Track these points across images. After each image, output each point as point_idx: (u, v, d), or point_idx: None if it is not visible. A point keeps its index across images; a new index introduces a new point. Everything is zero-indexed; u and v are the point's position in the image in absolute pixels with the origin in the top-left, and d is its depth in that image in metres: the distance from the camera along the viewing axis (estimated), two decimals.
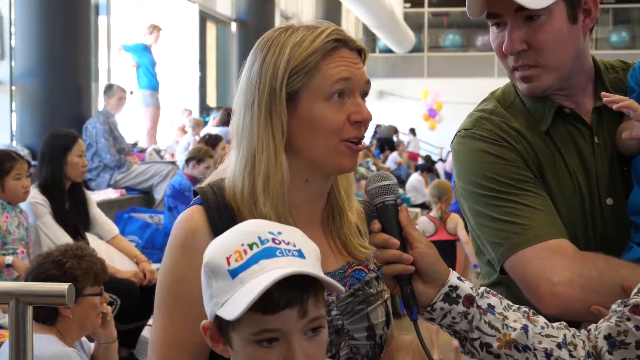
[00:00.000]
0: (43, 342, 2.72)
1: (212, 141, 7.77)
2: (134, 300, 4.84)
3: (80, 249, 3.05)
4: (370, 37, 22.14)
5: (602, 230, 1.81)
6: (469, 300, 1.46)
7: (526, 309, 1.49)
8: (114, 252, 5.25)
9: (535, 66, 1.81)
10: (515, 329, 1.44)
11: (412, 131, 20.86)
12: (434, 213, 6.78)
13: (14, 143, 7.30)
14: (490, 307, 1.46)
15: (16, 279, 4.27)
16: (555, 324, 1.47)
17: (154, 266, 5.23)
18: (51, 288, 1.73)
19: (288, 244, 1.26)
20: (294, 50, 1.54)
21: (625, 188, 1.81)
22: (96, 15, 9.64)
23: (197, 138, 8.95)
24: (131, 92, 9.21)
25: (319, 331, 1.27)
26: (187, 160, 6.99)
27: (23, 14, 7.04)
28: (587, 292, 1.64)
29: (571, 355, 1.43)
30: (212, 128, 9.73)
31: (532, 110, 1.87)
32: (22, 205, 4.75)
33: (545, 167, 1.82)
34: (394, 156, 16.32)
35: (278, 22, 14.35)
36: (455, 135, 1.92)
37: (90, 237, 5.14)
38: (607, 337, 1.43)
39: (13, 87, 7.63)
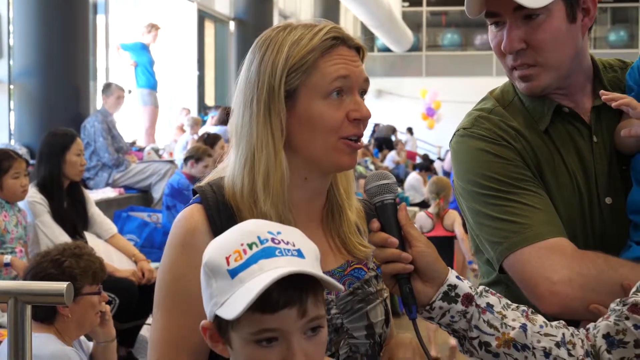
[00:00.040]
0: (42, 341, 2.72)
1: (211, 140, 7.77)
2: (133, 299, 4.84)
3: (79, 248, 3.05)
4: (369, 36, 22.14)
5: (601, 229, 1.81)
6: (468, 299, 1.46)
7: (525, 308, 1.49)
8: (112, 251, 5.25)
9: (534, 65, 1.81)
10: (514, 328, 1.44)
11: (410, 130, 20.87)
12: (432, 209, 6.80)
13: (12, 142, 7.30)
14: (489, 306, 1.46)
15: (14, 278, 4.27)
16: (554, 323, 1.47)
17: (153, 265, 5.23)
18: (50, 287, 1.73)
19: (287, 243, 1.26)
20: (292, 48, 1.54)
21: (624, 187, 1.81)
22: (94, 14, 9.64)
23: (196, 137, 8.95)
24: (129, 91, 9.21)
25: (318, 331, 1.27)
26: (186, 159, 6.99)
27: (21, 13, 7.04)
28: (586, 291, 1.64)
29: (570, 354, 1.43)
30: (210, 127, 9.73)
31: (531, 110, 1.87)
32: (21, 204, 4.75)
33: (544, 166, 1.82)
34: (392, 155, 16.33)
35: (276, 21, 14.36)
36: (454, 134, 1.92)
37: (88, 236, 5.14)
38: (606, 336, 1.43)
39: (11, 86, 7.63)
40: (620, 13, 25.49)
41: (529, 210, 1.73)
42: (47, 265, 2.94)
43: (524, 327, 1.44)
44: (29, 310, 1.67)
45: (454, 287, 1.47)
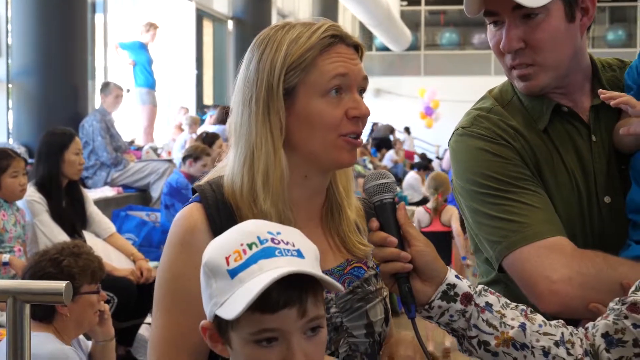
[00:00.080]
0: (40, 340, 2.72)
1: (209, 139, 7.76)
2: (131, 298, 4.84)
3: (77, 247, 3.05)
4: (367, 35, 22.16)
5: (600, 228, 1.81)
6: (467, 298, 1.46)
7: (524, 307, 1.49)
8: (110, 250, 5.25)
9: (532, 64, 1.81)
10: (513, 327, 1.45)
11: (407, 130, 20.87)
12: (430, 204, 6.83)
13: (11, 141, 7.29)
14: (488, 305, 1.46)
15: (13, 277, 4.27)
16: (553, 322, 1.47)
17: (151, 264, 5.24)
18: (48, 286, 1.72)
19: (287, 243, 1.26)
20: (290, 46, 1.54)
21: (623, 186, 1.81)
22: (93, 13, 9.63)
23: (194, 136, 8.95)
24: (128, 90, 9.20)
25: (318, 331, 1.27)
26: (184, 158, 6.99)
27: (20, 12, 7.03)
28: (586, 290, 1.64)
29: (569, 353, 1.43)
30: (209, 126, 9.72)
31: (530, 109, 1.87)
32: (19, 203, 4.74)
33: (543, 165, 1.82)
34: (390, 154, 16.34)
35: (275, 20, 14.35)
36: (453, 133, 1.92)
37: (87, 235, 5.14)
38: (605, 335, 1.43)
39: (10, 85, 7.62)
40: (618, 12, 25.50)
41: (528, 209, 1.73)
42: (45, 265, 2.94)
43: (523, 326, 1.44)
44: (27, 309, 1.67)
45: (453, 286, 1.47)
